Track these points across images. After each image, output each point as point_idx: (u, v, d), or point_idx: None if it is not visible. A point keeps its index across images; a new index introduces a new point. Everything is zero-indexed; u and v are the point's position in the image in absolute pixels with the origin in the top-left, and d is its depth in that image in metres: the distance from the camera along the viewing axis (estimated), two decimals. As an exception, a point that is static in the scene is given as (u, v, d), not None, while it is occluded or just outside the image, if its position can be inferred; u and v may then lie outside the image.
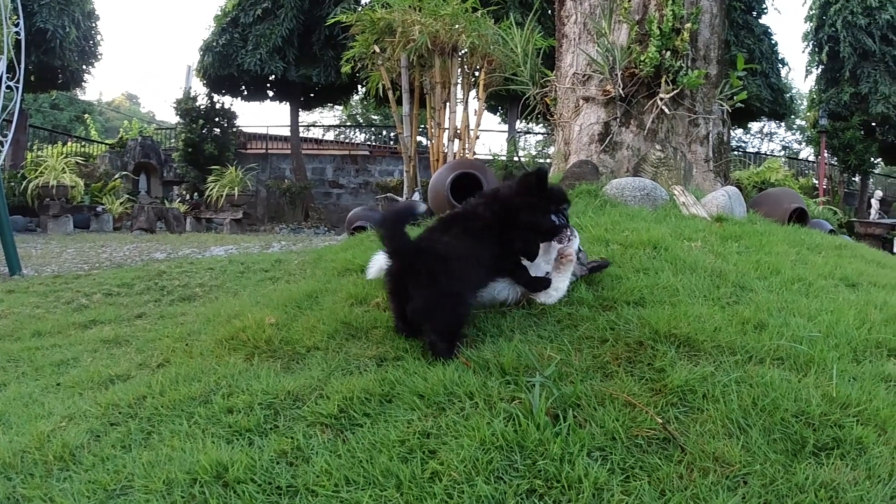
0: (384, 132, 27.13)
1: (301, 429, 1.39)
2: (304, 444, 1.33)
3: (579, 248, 2.24)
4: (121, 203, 12.95)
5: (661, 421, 1.30)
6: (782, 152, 31.16)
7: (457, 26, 6.09)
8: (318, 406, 1.47)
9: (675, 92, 4.76)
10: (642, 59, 4.72)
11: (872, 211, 13.82)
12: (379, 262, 2.38)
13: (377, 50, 6.55)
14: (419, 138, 10.82)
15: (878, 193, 14.65)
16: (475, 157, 7.15)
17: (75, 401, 1.81)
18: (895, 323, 2.03)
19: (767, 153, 27.46)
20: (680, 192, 4.33)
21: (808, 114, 18.97)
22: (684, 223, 3.58)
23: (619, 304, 2.01)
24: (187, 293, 3.81)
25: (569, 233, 2.15)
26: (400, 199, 7.13)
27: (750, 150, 28.98)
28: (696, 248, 2.93)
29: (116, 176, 14.12)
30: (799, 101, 22.33)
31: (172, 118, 17.68)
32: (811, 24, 17.16)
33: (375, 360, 1.73)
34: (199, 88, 16.27)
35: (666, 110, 4.79)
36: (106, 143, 17.79)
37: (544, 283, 2.02)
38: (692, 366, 1.60)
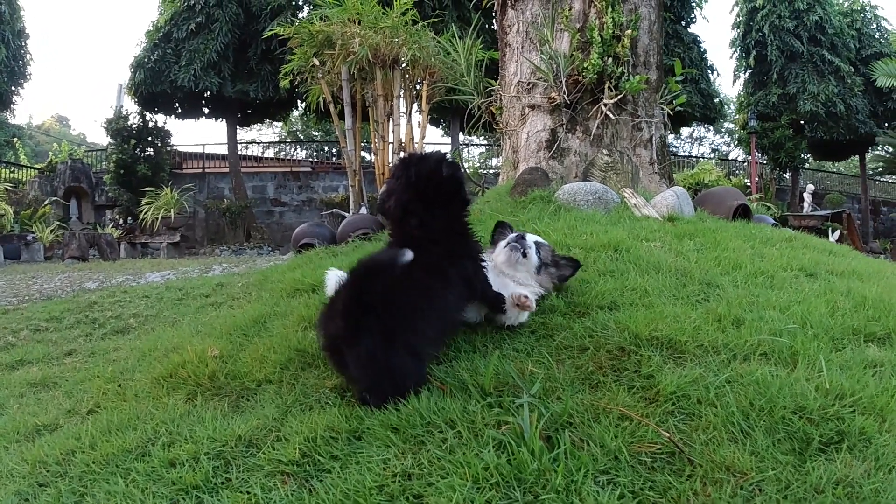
0: (326, 147, 26.74)
1: (258, 480, 1.19)
2: (264, 498, 1.14)
3: (538, 245, 2.02)
4: (51, 230, 12.13)
5: (667, 434, 1.19)
6: (712, 155, 32.74)
7: (397, 39, 5.99)
8: (275, 451, 1.27)
9: (618, 97, 4.80)
10: (585, 65, 4.75)
11: (805, 205, 14.56)
12: (335, 278, 2.04)
13: (316, 63, 6.36)
14: (363, 153, 10.65)
15: (810, 187, 15.45)
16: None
17: (1, 457, 1.57)
18: (865, 309, 2.04)
19: (698, 156, 28.76)
20: (630, 194, 4.35)
21: (738, 116, 19.97)
22: (639, 224, 3.58)
23: (592, 309, 1.92)
24: (120, 325, 3.50)
25: (523, 245, 1.95)
26: (346, 214, 6.92)
27: (681, 154, 30.24)
28: (657, 248, 2.90)
29: (46, 202, 13.24)
30: (727, 105, 23.49)
31: (104, 139, 16.78)
32: (738, 30, 18.14)
33: (337, 390, 1.54)
34: (131, 107, 15.54)
35: (610, 115, 4.83)
36: (35, 168, 16.71)
37: (502, 300, 1.80)
38: (680, 369, 1.51)
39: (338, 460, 1.22)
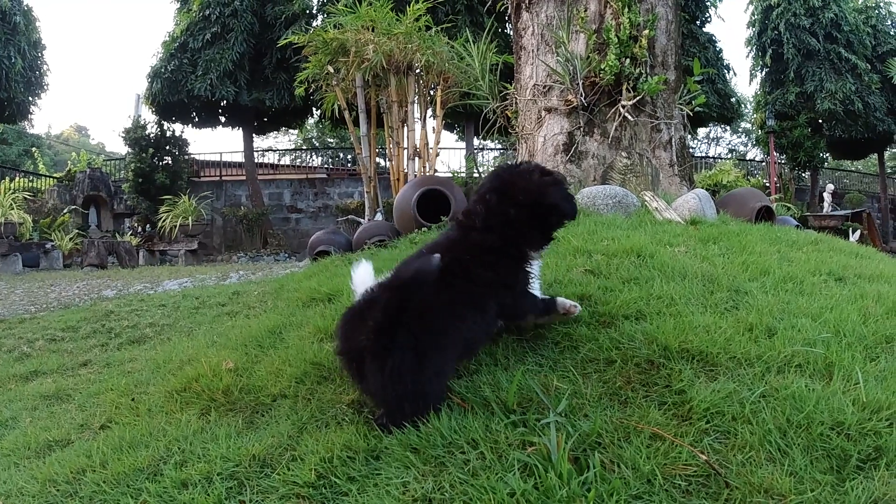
0: (341, 154, 26.89)
1: (272, 504, 1.15)
2: (277, 522, 1.08)
3: None
4: (70, 238, 12.28)
5: (704, 457, 1.12)
6: (729, 155, 32.33)
7: (411, 45, 5.98)
8: (290, 472, 1.21)
9: (636, 99, 4.72)
10: (602, 67, 4.68)
11: (825, 204, 14.26)
12: (365, 274, 1.72)
13: (331, 70, 6.37)
14: (378, 159, 10.67)
15: (830, 187, 15.11)
16: (436, 174, 7.02)
17: (11, 474, 1.56)
18: (896, 315, 1.94)
19: (715, 157, 28.42)
20: (651, 197, 4.26)
21: (755, 116, 19.66)
22: (661, 228, 3.49)
23: (617, 319, 1.84)
24: (137, 335, 3.49)
25: None
26: (362, 220, 6.91)
27: (698, 154, 29.92)
28: (681, 254, 2.82)
29: (65, 210, 13.43)
30: (744, 105, 23.22)
31: (122, 149, 17.02)
32: (754, 29, 17.88)
33: (354, 406, 1.48)
34: (149, 116, 15.72)
35: (629, 117, 4.75)
36: (54, 177, 16.96)
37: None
38: (713, 384, 1.43)
39: (355, 482, 1.17)
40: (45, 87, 14.97)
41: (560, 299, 1.78)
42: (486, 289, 1.50)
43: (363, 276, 1.64)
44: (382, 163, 15.77)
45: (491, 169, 1.66)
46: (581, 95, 4.75)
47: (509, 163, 1.71)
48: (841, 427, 1.29)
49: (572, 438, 1.18)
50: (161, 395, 1.80)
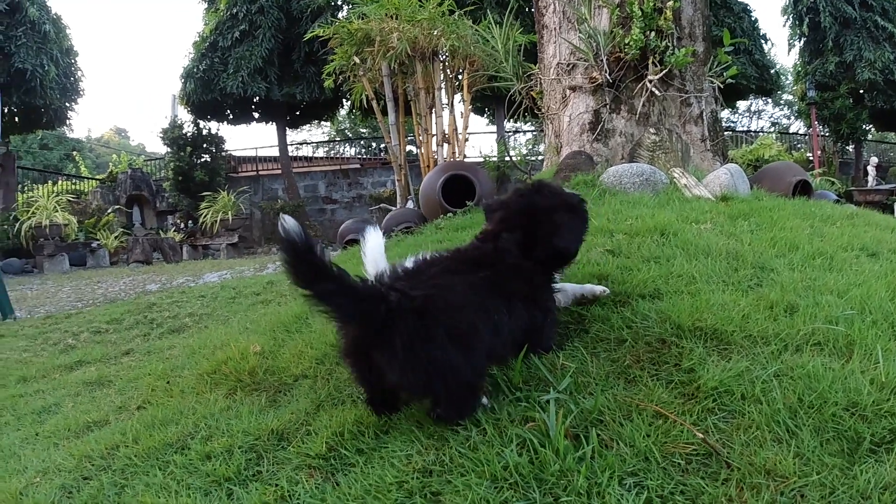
0: (374, 144, 27.08)
1: (286, 474, 1.22)
2: (290, 491, 1.16)
3: None
4: (115, 237, 12.83)
5: (701, 435, 1.12)
6: (772, 128, 31.08)
7: (435, 30, 5.97)
8: (304, 445, 1.29)
9: (663, 72, 4.60)
10: (627, 41, 4.57)
11: (869, 178, 13.65)
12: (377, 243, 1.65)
13: (357, 61, 6.42)
14: (408, 146, 10.70)
15: (874, 160, 14.44)
16: (465, 159, 7.01)
17: (50, 453, 1.69)
18: (929, 292, 1.86)
19: (757, 131, 27.39)
20: (680, 174, 4.17)
21: (795, 87, 18.87)
22: (689, 205, 3.42)
23: (633, 298, 1.83)
24: (177, 324, 3.66)
25: None
26: (393, 208, 6.98)
27: (739, 128, 28.86)
28: (707, 231, 2.76)
29: (109, 210, 14.01)
30: (784, 76, 22.22)
31: (162, 148, 17.60)
32: (789, -4, 17.10)
33: (369, 385, 1.54)
34: (185, 116, 16.19)
35: (656, 92, 4.63)
36: (96, 179, 17.68)
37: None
38: (724, 362, 1.42)
39: (363, 455, 1.23)
40: (81, 92, 15.46)
41: (588, 286, 1.87)
42: (519, 300, 1.48)
43: (375, 247, 1.61)
44: (414, 150, 15.81)
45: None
46: (606, 72, 4.65)
47: (524, 190, 1.71)
48: (856, 408, 1.25)
49: (573, 415, 1.20)
50: (193, 377, 1.91)
